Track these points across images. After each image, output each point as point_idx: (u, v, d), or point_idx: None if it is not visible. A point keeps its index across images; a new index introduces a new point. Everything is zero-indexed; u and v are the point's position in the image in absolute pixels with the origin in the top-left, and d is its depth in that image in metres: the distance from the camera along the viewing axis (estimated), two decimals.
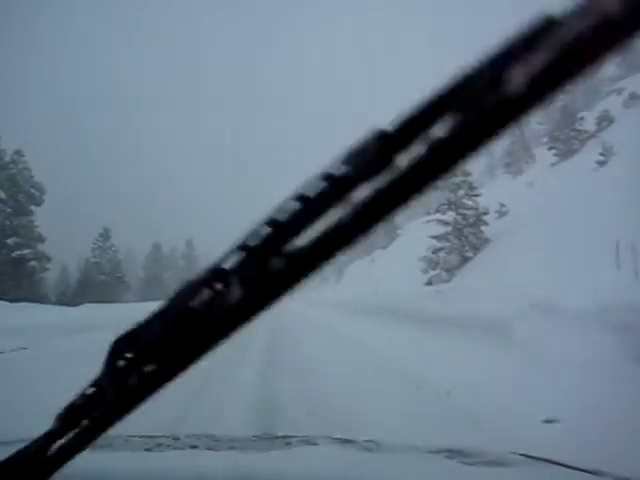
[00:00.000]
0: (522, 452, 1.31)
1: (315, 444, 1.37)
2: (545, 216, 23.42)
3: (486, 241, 23.82)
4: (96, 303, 25.46)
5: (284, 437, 1.44)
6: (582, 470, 1.13)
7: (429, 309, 9.48)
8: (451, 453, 1.25)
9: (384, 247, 61.59)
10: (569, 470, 1.16)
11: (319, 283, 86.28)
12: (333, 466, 1.12)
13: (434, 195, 40.27)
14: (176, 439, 1.39)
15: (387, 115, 0.35)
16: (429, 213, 25.23)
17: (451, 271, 23.63)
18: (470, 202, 24.14)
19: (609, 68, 61.31)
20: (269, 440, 1.53)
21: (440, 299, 10.07)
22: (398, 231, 63.46)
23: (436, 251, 24.40)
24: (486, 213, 23.93)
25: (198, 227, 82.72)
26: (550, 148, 32.68)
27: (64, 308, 21.56)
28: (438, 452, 1.27)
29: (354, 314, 14.56)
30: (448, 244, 24.32)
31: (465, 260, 23.70)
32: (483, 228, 24.04)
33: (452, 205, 24.21)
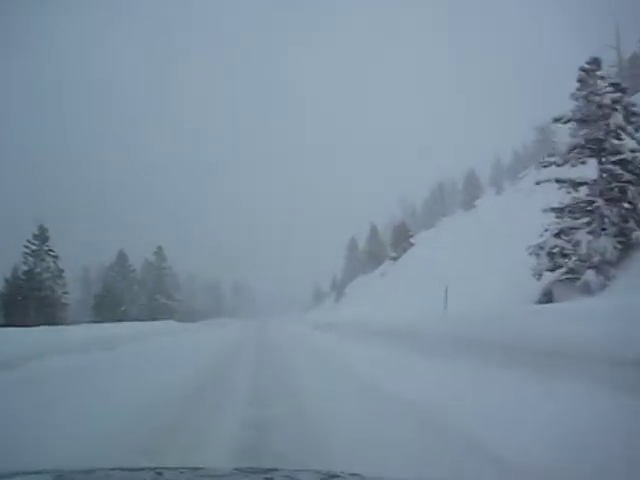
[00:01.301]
0: None
1: (298, 479, 1.34)
2: None
3: None
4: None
5: (266, 471, 1.40)
6: None
7: None
8: None
9: (395, 258, 50.61)
10: None
11: (312, 304, 73.89)
12: None
13: (556, 131, 28.16)
14: (159, 474, 1.35)
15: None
16: (544, 166, 13.80)
17: (604, 269, 12.17)
18: (632, 141, 12.86)
19: None
20: (252, 474, 1.44)
21: None
22: (411, 240, 52.57)
23: (560, 234, 12.98)
24: None
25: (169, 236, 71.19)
26: None
27: None
28: None
29: None
30: (586, 220, 12.91)
31: (630, 249, 12.28)
32: None
33: (596, 147, 12.90)
